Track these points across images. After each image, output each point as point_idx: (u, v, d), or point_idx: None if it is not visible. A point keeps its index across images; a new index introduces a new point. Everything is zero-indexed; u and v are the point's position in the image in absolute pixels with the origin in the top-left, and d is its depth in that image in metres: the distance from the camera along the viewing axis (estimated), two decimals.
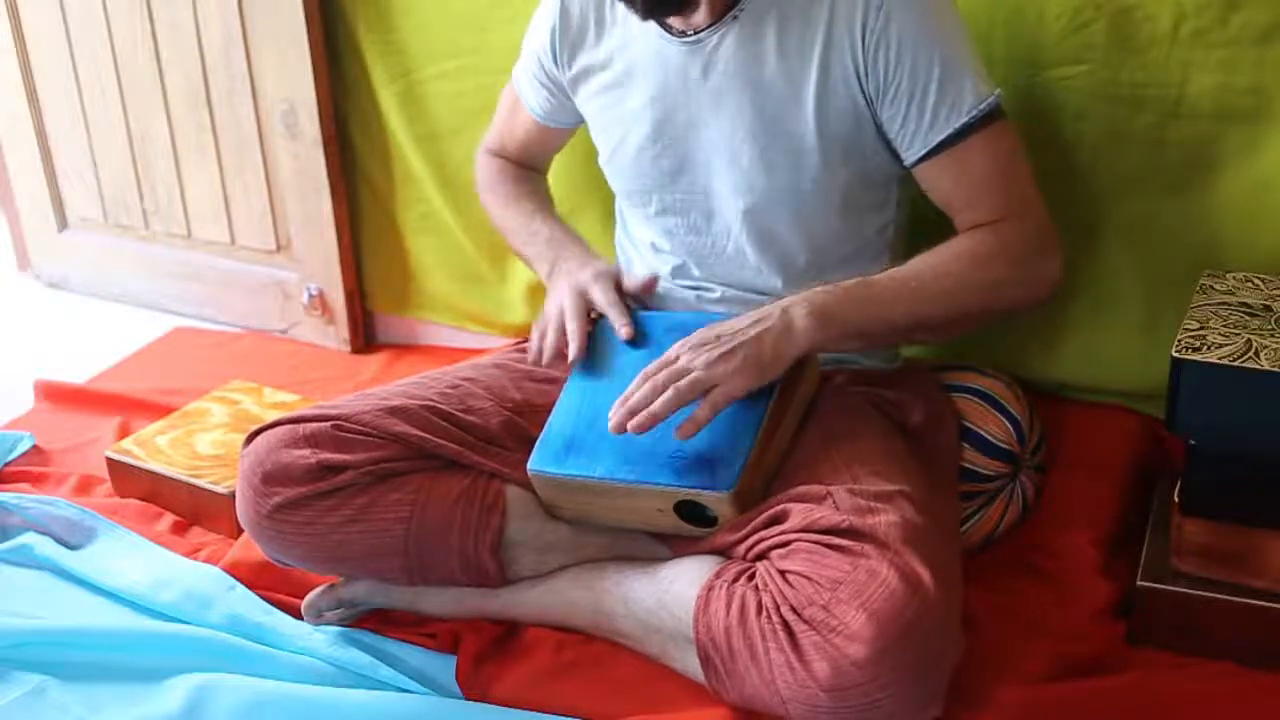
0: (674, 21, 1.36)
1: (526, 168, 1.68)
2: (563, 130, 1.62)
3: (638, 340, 1.38)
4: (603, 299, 1.40)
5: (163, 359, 2.17)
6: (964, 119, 1.29)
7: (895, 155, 1.36)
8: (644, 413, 1.23)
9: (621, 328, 1.37)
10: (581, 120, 1.57)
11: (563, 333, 1.39)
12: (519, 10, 1.56)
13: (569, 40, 1.47)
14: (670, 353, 1.27)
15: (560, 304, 1.42)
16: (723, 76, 1.35)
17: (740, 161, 1.37)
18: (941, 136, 1.30)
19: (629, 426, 1.23)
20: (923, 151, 1.32)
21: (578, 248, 1.52)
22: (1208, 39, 1.41)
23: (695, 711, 1.22)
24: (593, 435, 1.29)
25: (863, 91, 1.31)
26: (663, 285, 1.48)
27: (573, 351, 1.37)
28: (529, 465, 1.30)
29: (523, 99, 1.60)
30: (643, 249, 1.51)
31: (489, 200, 1.67)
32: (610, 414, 1.25)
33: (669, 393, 1.23)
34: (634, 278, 1.45)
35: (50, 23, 2.22)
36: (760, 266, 1.42)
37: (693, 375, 1.23)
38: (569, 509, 1.32)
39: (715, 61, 1.35)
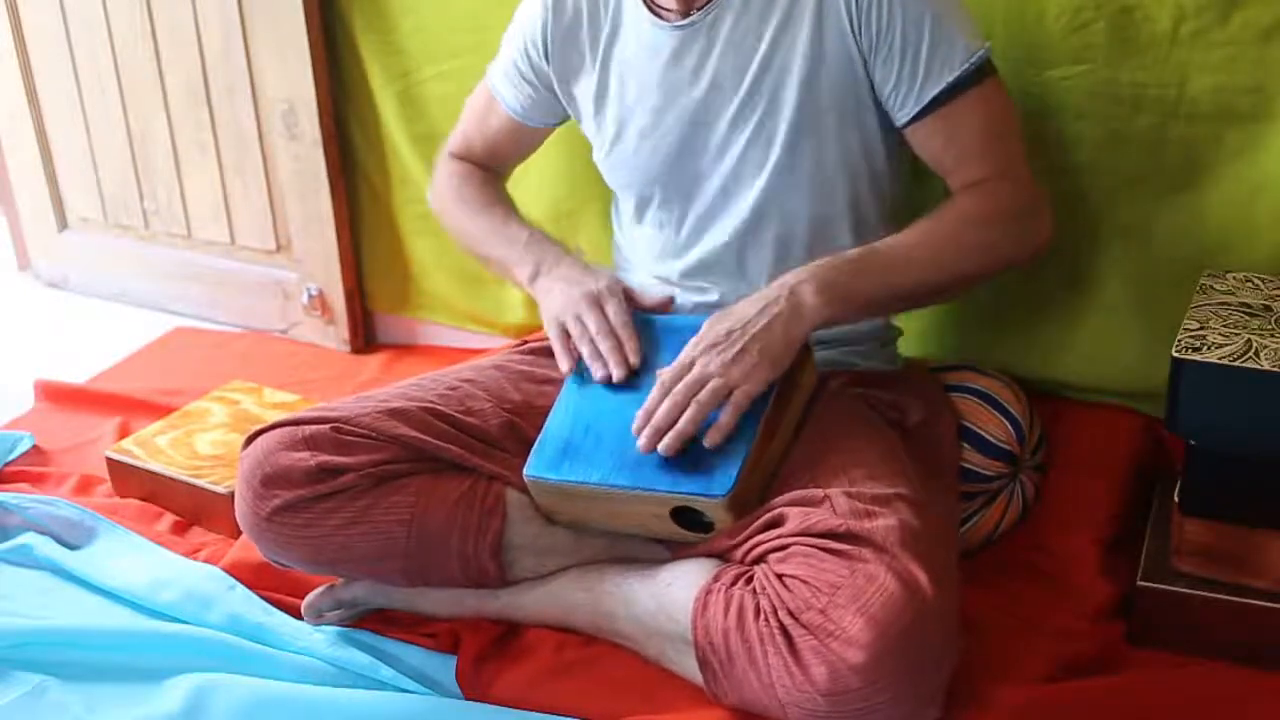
0: (672, 4, 1.36)
1: (491, 172, 1.65)
2: (537, 130, 1.61)
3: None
4: (617, 319, 1.36)
5: (163, 359, 2.17)
6: (955, 74, 1.30)
7: (889, 122, 1.36)
8: (672, 434, 1.23)
9: (631, 353, 1.33)
10: (559, 120, 1.57)
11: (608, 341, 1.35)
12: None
13: (560, 33, 1.46)
14: (684, 357, 1.26)
15: (577, 314, 1.37)
16: (721, 56, 1.35)
17: (742, 140, 1.37)
18: (933, 94, 1.31)
19: (660, 449, 1.23)
20: (915, 110, 1.32)
21: (559, 250, 1.48)
22: (1208, 39, 1.41)
23: (694, 713, 1.21)
24: (589, 440, 1.29)
25: (858, 50, 1.31)
26: (664, 290, 1.48)
27: (633, 358, 1.33)
28: (525, 471, 1.29)
29: (500, 97, 1.58)
30: (641, 247, 1.51)
31: (452, 207, 1.61)
32: (636, 426, 1.25)
33: (692, 408, 1.23)
34: (648, 294, 1.42)
35: (50, 23, 2.22)
36: (761, 250, 1.42)
37: (712, 385, 1.23)
38: (565, 513, 1.32)
39: (711, 43, 1.36)
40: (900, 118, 1.34)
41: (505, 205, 1.60)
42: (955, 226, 1.31)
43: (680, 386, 1.24)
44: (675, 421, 1.23)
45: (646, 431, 1.24)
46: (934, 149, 1.35)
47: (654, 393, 1.26)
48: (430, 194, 1.68)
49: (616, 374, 1.33)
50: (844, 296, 1.26)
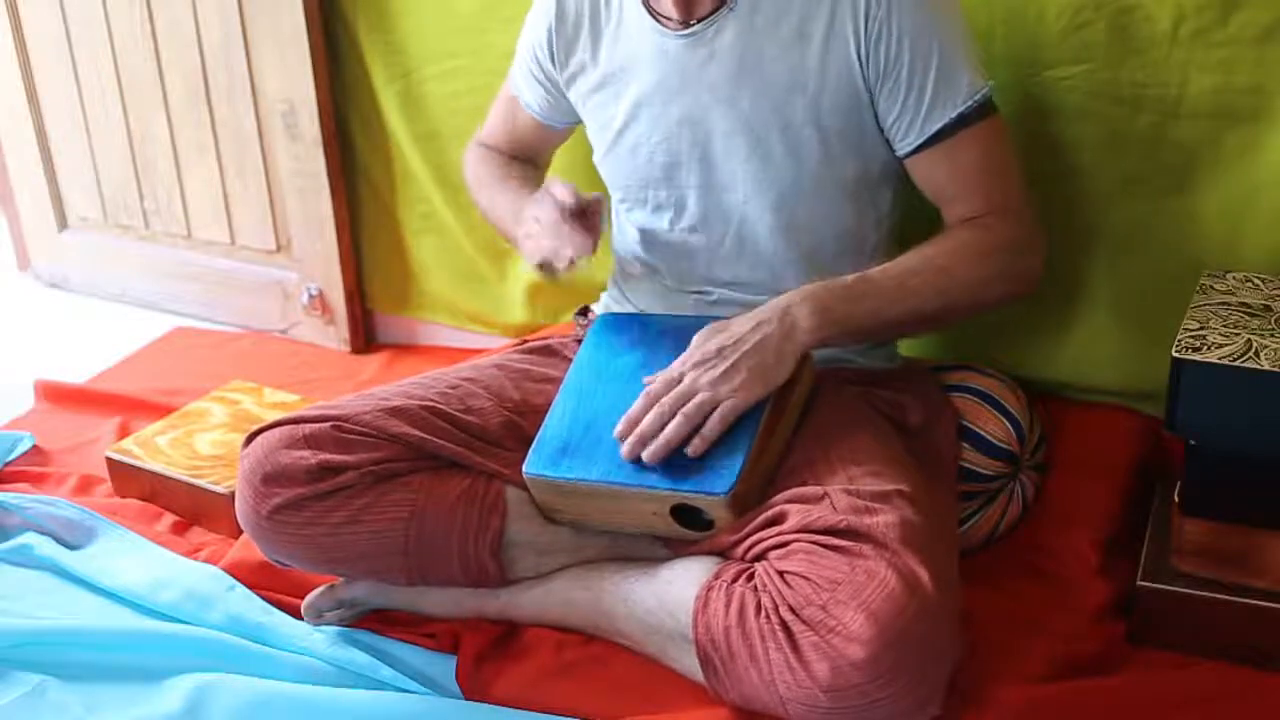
0: (672, 13, 1.36)
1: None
2: (559, 130, 1.62)
3: (634, 344, 1.38)
4: (564, 195, 1.37)
5: (163, 359, 2.17)
6: (958, 109, 1.31)
7: (890, 151, 1.36)
8: (658, 442, 1.24)
9: (566, 196, 1.36)
10: (578, 121, 1.57)
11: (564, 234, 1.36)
12: (518, 11, 1.56)
13: (565, 37, 1.47)
14: (673, 371, 1.27)
15: (533, 214, 1.39)
16: (722, 68, 1.35)
17: (738, 154, 1.37)
18: (936, 128, 1.31)
19: (644, 456, 1.24)
20: (917, 143, 1.33)
21: None
22: (1208, 39, 1.41)
23: (695, 711, 1.22)
24: (589, 438, 1.29)
25: (864, 79, 1.31)
26: (659, 290, 1.48)
27: (581, 249, 1.34)
28: (524, 468, 1.29)
29: (520, 98, 1.60)
30: (639, 249, 1.51)
31: (472, 187, 1.65)
32: (618, 433, 1.26)
33: (678, 419, 1.23)
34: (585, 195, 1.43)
35: (50, 23, 2.22)
36: (756, 263, 1.42)
37: (699, 398, 1.24)
38: (565, 512, 1.32)
39: (715, 53, 1.35)
40: (902, 148, 1.35)
41: (519, 177, 1.61)
42: (951, 258, 1.31)
43: (667, 399, 1.25)
44: (660, 432, 1.24)
45: (631, 439, 1.25)
46: (934, 182, 1.36)
47: (639, 402, 1.26)
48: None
49: (581, 250, 1.34)
50: (837, 321, 1.27)
